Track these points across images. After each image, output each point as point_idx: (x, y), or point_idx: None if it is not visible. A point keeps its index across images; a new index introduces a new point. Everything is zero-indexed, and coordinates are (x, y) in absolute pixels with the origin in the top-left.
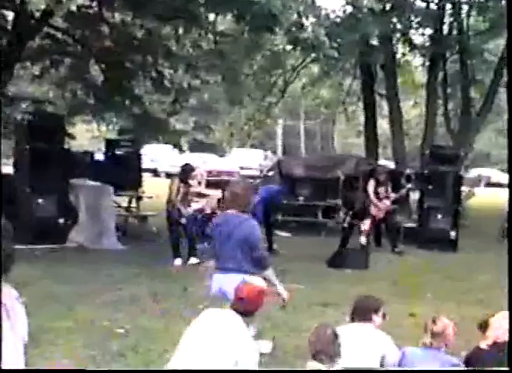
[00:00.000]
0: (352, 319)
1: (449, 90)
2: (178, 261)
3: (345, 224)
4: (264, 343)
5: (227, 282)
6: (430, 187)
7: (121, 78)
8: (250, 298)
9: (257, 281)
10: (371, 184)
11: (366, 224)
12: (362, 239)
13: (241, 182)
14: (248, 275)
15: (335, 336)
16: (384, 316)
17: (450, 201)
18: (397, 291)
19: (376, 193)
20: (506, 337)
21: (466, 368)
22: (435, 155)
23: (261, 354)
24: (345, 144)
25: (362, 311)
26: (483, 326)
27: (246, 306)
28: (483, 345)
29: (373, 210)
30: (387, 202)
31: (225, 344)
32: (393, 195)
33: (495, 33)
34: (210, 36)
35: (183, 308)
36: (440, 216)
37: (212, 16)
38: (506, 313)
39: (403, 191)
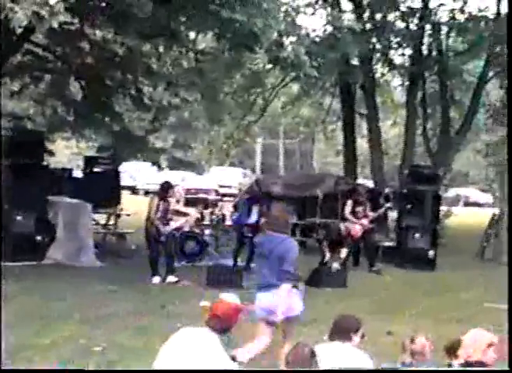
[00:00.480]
0: (332, 338)
1: (428, 110)
2: (156, 279)
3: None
4: (241, 351)
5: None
6: (409, 206)
7: (101, 95)
8: (226, 315)
9: (231, 298)
10: (349, 204)
11: (342, 253)
12: (335, 266)
13: (280, 205)
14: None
15: (313, 355)
16: (362, 336)
17: (429, 220)
18: (374, 309)
19: (354, 213)
20: (478, 356)
21: None
22: (414, 174)
23: (240, 363)
24: (324, 163)
25: (341, 331)
26: (453, 347)
27: (222, 323)
28: (455, 364)
29: (352, 230)
30: (365, 221)
31: (200, 363)
32: (371, 214)
33: (474, 54)
34: (190, 54)
35: (161, 325)
36: (418, 235)
37: (192, 34)
38: (479, 331)
39: (381, 210)
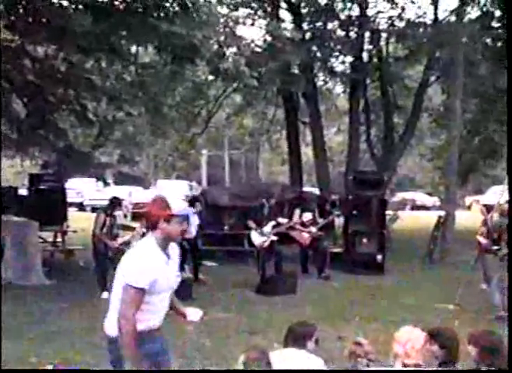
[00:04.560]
0: (286, 344)
1: (371, 116)
2: (105, 294)
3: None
4: (193, 311)
5: None
6: (355, 212)
7: (44, 112)
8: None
9: None
10: (296, 213)
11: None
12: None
13: None
14: None
15: (265, 360)
16: (317, 342)
17: (375, 225)
18: (324, 315)
19: (302, 221)
20: (414, 354)
21: None
22: (358, 180)
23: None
24: (270, 173)
25: (296, 337)
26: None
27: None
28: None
29: (299, 237)
30: (314, 229)
31: None
32: (321, 221)
33: (414, 60)
34: (132, 67)
35: None
36: (365, 240)
37: (134, 48)
38: (412, 329)
39: (331, 217)
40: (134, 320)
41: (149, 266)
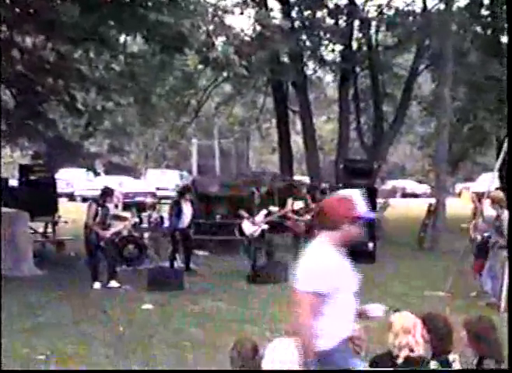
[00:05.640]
0: None
1: (361, 105)
2: (97, 284)
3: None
4: (374, 306)
5: None
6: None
7: (34, 103)
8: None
9: None
10: (289, 202)
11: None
12: None
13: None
14: None
15: (255, 349)
16: None
17: None
18: None
19: (294, 209)
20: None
21: None
22: (348, 168)
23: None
24: (260, 162)
25: None
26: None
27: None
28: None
29: (293, 226)
30: (308, 216)
31: None
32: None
33: (404, 48)
34: (121, 57)
35: (103, 330)
36: None
37: (122, 38)
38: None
39: None
40: (314, 327)
41: (328, 269)
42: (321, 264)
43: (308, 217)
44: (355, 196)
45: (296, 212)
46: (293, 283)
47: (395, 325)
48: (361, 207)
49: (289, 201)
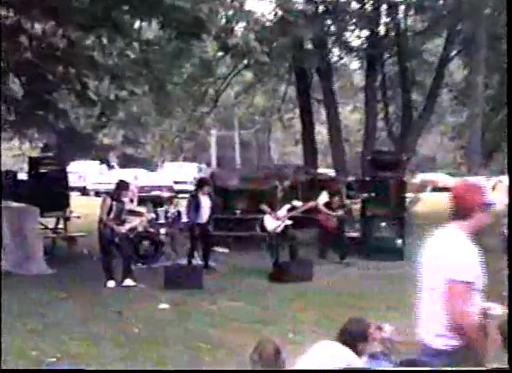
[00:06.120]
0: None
1: (389, 93)
2: (111, 283)
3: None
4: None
5: None
6: (373, 195)
7: (43, 92)
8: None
9: None
10: (323, 195)
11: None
12: None
13: None
14: None
15: (278, 352)
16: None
17: (394, 208)
18: (341, 304)
19: (329, 204)
20: None
21: None
22: (376, 160)
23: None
24: (282, 154)
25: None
26: None
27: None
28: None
29: (325, 221)
30: (341, 212)
31: None
32: (349, 202)
33: (434, 33)
34: (136, 44)
35: (117, 331)
36: (384, 224)
37: (137, 24)
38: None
39: (359, 200)
40: (473, 316)
41: (473, 259)
42: (468, 254)
43: (340, 212)
44: (482, 182)
45: (328, 206)
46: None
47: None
48: (489, 192)
49: (324, 193)
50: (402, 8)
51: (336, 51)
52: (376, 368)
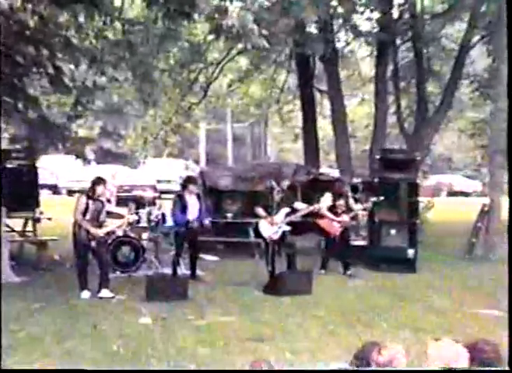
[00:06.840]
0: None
1: (402, 84)
2: (86, 293)
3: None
4: None
5: None
6: (381, 198)
7: (12, 76)
8: None
9: None
10: (327, 197)
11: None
12: None
13: None
14: None
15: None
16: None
17: (406, 214)
18: (344, 320)
19: (334, 208)
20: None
21: None
22: (386, 160)
23: None
24: (280, 150)
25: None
26: None
27: None
28: None
29: (328, 227)
30: (346, 217)
31: None
32: (356, 207)
33: (454, 16)
34: (117, 24)
35: (92, 348)
36: (394, 231)
37: (118, 1)
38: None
39: (367, 205)
40: None
41: None
42: None
43: (346, 217)
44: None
45: (332, 210)
46: None
47: (432, 358)
48: None
49: (327, 195)
50: None
51: (343, 36)
52: None
